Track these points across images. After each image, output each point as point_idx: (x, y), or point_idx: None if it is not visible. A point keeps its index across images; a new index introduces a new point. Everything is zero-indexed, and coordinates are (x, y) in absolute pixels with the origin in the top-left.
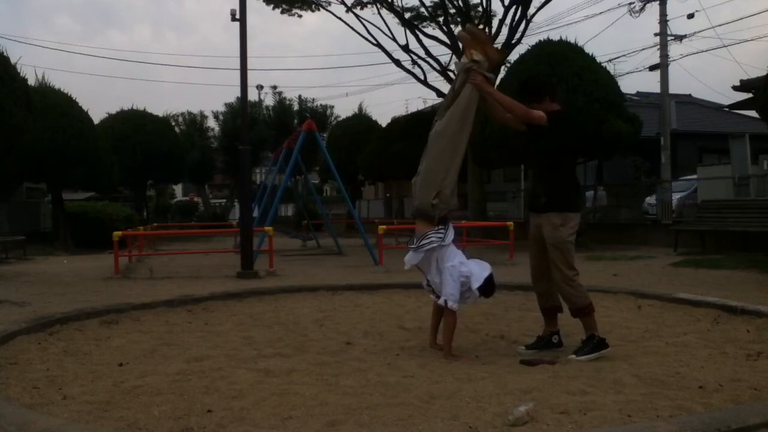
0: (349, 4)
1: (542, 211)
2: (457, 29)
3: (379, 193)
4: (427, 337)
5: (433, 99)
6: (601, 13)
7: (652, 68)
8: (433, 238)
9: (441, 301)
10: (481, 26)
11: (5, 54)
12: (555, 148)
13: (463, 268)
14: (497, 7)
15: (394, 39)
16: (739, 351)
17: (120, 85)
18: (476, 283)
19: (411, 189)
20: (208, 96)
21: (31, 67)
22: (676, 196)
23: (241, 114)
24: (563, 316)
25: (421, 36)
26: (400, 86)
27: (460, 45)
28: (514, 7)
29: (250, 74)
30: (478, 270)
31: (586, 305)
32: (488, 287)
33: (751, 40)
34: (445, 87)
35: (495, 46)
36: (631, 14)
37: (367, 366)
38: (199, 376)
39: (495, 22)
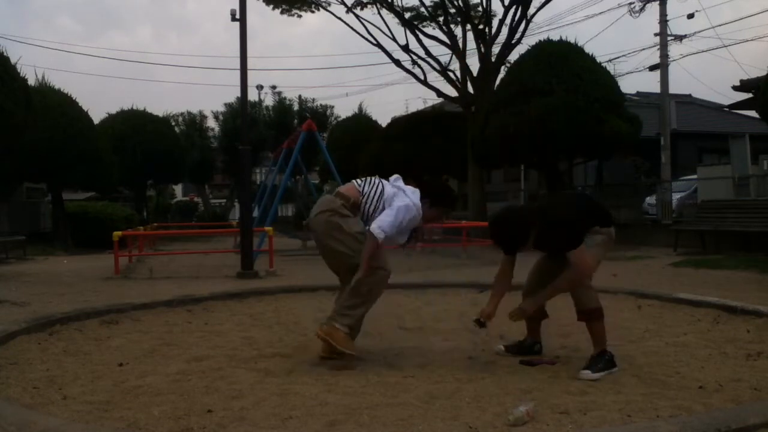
0: (350, 5)
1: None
2: (457, 29)
3: None
4: (427, 336)
5: (433, 99)
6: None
7: (652, 68)
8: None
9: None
10: (481, 26)
11: (5, 54)
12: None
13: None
14: (497, 7)
15: (394, 39)
16: (739, 351)
17: (120, 85)
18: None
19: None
20: (208, 96)
21: (31, 67)
22: (676, 196)
23: (241, 114)
24: (563, 317)
25: (421, 36)
26: (400, 86)
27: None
28: (514, 7)
29: (250, 74)
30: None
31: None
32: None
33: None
34: (445, 87)
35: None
36: (631, 14)
37: (367, 366)
38: (199, 376)
39: (495, 22)
